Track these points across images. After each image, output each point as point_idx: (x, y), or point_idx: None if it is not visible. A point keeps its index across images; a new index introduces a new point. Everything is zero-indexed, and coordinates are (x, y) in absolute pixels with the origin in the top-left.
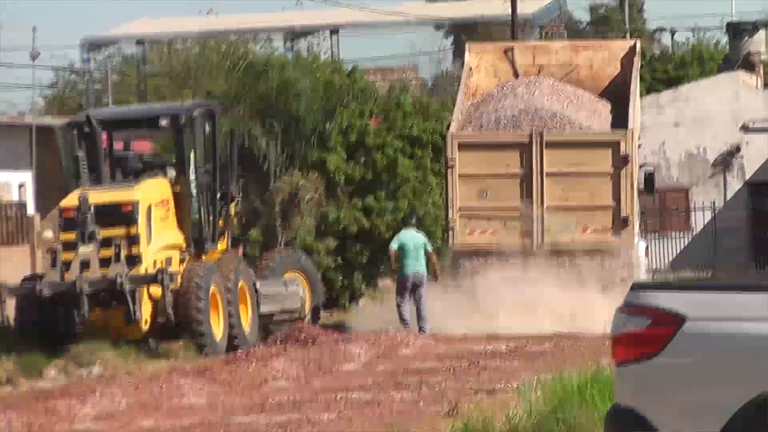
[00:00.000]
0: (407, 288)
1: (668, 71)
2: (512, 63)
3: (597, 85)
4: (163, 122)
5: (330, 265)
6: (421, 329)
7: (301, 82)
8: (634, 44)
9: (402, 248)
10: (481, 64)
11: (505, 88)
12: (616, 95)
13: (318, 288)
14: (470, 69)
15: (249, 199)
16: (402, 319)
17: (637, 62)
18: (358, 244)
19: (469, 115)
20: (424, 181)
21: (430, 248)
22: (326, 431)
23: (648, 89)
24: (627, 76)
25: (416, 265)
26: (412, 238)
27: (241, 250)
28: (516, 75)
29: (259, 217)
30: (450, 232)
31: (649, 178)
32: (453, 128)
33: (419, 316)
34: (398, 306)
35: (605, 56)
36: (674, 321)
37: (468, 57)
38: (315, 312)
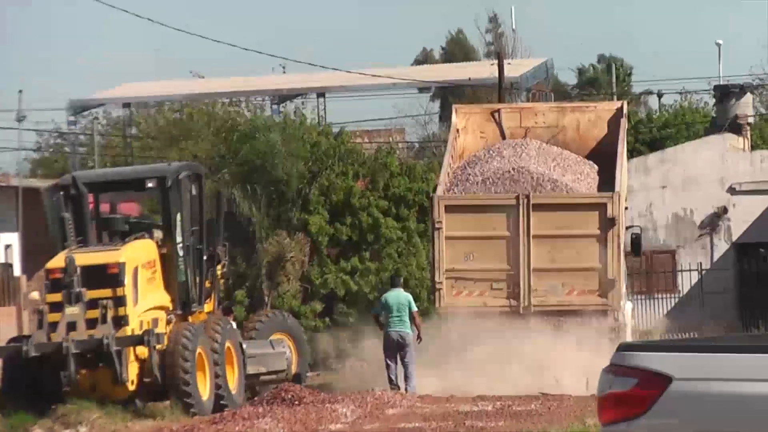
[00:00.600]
0: (392, 348)
1: (653, 133)
2: (499, 125)
3: (583, 147)
4: (150, 184)
5: (317, 327)
6: (407, 388)
7: (286, 145)
8: (621, 106)
9: (387, 309)
10: (468, 125)
11: (492, 150)
12: (603, 157)
13: (304, 349)
14: (457, 130)
15: (235, 262)
16: (389, 381)
17: (624, 124)
18: (344, 305)
19: (455, 176)
20: (409, 242)
21: (414, 308)
22: None
23: (631, 152)
24: (614, 138)
25: (399, 325)
26: (396, 298)
27: (232, 315)
28: (503, 136)
29: (244, 279)
30: (437, 294)
31: (636, 240)
32: (439, 190)
33: (405, 376)
34: (386, 367)
35: (592, 118)
36: (660, 381)
37: (455, 118)
38: (301, 373)
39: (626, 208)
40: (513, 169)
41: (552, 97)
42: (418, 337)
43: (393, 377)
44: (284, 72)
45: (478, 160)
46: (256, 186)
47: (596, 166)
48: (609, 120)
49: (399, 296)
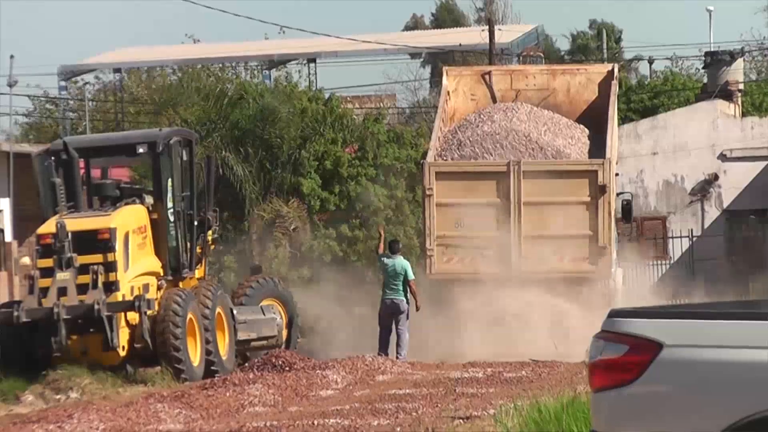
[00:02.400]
0: (385, 315)
1: (644, 101)
2: (490, 87)
3: (574, 110)
4: (141, 149)
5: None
6: (398, 355)
7: (279, 109)
8: (612, 69)
9: (384, 272)
10: (459, 87)
11: (482, 114)
12: (594, 120)
13: (295, 315)
14: (448, 93)
15: (225, 227)
16: (380, 347)
17: (614, 87)
18: (331, 272)
19: (446, 141)
20: (397, 210)
21: (411, 276)
22: None
23: (623, 119)
24: (604, 101)
25: (392, 294)
26: (392, 265)
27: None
28: (494, 99)
29: (234, 244)
30: (427, 261)
31: (627, 206)
32: (430, 156)
33: (397, 343)
34: (379, 334)
35: (582, 81)
36: (651, 348)
37: (446, 80)
38: (292, 339)
39: (617, 175)
40: (504, 133)
41: (543, 60)
42: (417, 306)
43: (384, 345)
44: (283, 32)
45: (469, 124)
46: (247, 150)
47: (587, 131)
48: (600, 83)
49: (396, 263)
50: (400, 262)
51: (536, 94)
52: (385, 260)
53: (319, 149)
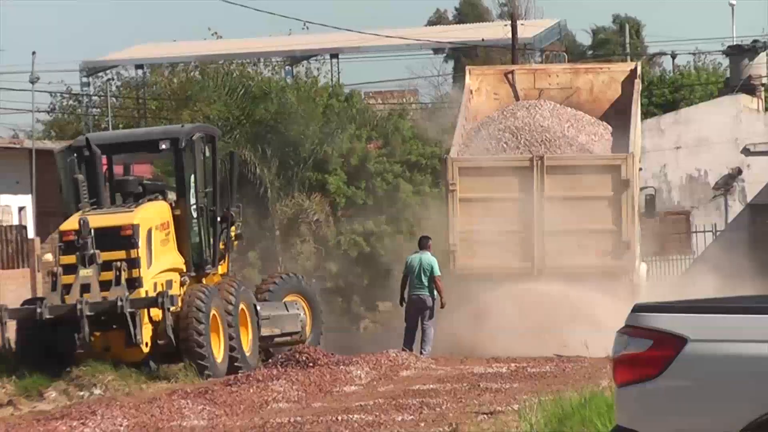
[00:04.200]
0: (411, 311)
1: (666, 95)
2: (513, 86)
3: (597, 108)
4: (163, 146)
5: (331, 288)
6: (422, 351)
7: (300, 106)
8: (635, 67)
9: (410, 271)
10: (482, 87)
11: (505, 112)
12: (617, 118)
13: (319, 311)
14: (471, 92)
15: (248, 223)
16: (404, 343)
17: (637, 85)
18: (358, 267)
19: (469, 138)
20: (423, 206)
21: (437, 273)
22: None
23: (645, 114)
24: (627, 99)
25: (420, 289)
26: (419, 261)
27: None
28: (516, 98)
29: (258, 240)
30: (450, 256)
31: (650, 201)
32: (453, 152)
33: (423, 339)
34: (405, 330)
35: (605, 79)
36: (675, 343)
37: (469, 80)
38: (316, 335)
39: (640, 169)
40: (527, 129)
41: (566, 58)
42: (441, 303)
43: (410, 341)
44: (306, 28)
45: (492, 121)
46: (268, 147)
47: (610, 128)
48: (623, 81)
49: (423, 259)
50: (427, 258)
51: (559, 93)
52: (412, 256)
53: (345, 146)
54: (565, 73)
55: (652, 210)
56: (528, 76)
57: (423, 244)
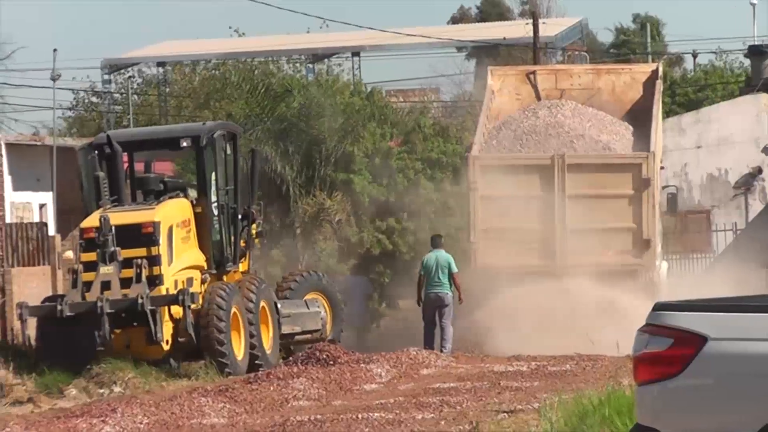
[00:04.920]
0: (430, 308)
1: (688, 94)
2: (534, 86)
3: (619, 109)
4: (184, 143)
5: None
6: (442, 348)
7: (323, 103)
8: (657, 68)
9: (426, 270)
10: (504, 87)
11: (527, 111)
12: (639, 118)
13: (339, 309)
14: (493, 92)
15: (270, 220)
16: (426, 341)
17: (659, 86)
18: (380, 264)
19: (491, 137)
20: (444, 204)
21: (454, 269)
22: None
23: (667, 113)
24: (649, 100)
25: (437, 287)
26: (436, 259)
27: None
28: (538, 98)
29: (280, 238)
30: (472, 254)
31: (672, 199)
32: (475, 150)
33: (442, 337)
34: (425, 328)
35: (627, 80)
36: (696, 341)
37: (490, 80)
38: (336, 332)
39: (663, 168)
40: (548, 128)
41: (587, 58)
42: (460, 299)
43: (430, 339)
44: (326, 26)
45: (513, 120)
46: (290, 144)
47: (631, 127)
48: (644, 82)
49: (439, 257)
50: (444, 255)
51: (581, 94)
52: (428, 255)
53: (369, 146)
54: (586, 73)
55: (674, 208)
56: (550, 76)
57: (437, 242)
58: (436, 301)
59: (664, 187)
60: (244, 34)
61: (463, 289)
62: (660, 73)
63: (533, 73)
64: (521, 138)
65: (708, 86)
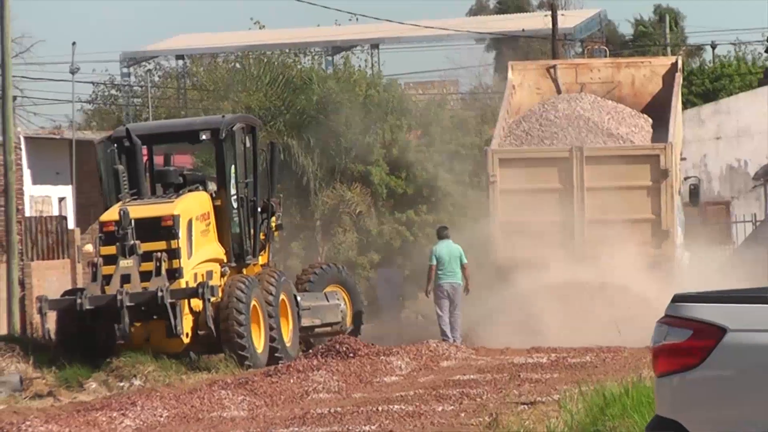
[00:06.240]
0: (444, 299)
1: (705, 84)
2: (555, 80)
3: (639, 102)
4: (204, 136)
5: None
6: (453, 338)
7: (343, 96)
8: (676, 61)
9: (439, 261)
10: (524, 81)
11: (546, 104)
12: (658, 111)
13: (359, 301)
14: (513, 87)
15: (289, 213)
16: (443, 333)
17: (678, 79)
18: (400, 257)
19: (510, 130)
20: (463, 196)
21: (464, 260)
22: None
23: (685, 104)
24: (668, 93)
25: (452, 277)
26: (448, 249)
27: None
28: (558, 92)
29: (299, 230)
30: (492, 247)
31: (694, 191)
32: (494, 144)
33: (451, 327)
34: (438, 318)
35: (647, 73)
36: (715, 333)
37: (511, 75)
38: (356, 325)
39: (683, 159)
40: (567, 120)
41: (607, 53)
42: (466, 289)
43: (446, 328)
44: (356, 19)
45: (533, 114)
46: (310, 137)
47: (650, 120)
48: (664, 75)
49: (450, 248)
50: (454, 246)
51: (601, 87)
52: (438, 247)
53: (388, 137)
54: (606, 67)
55: (696, 199)
56: (570, 70)
57: (444, 233)
58: (451, 292)
59: (686, 179)
60: (264, 26)
61: (481, 281)
62: (679, 66)
63: (553, 67)
64: (541, 131)
65: (725, 77)
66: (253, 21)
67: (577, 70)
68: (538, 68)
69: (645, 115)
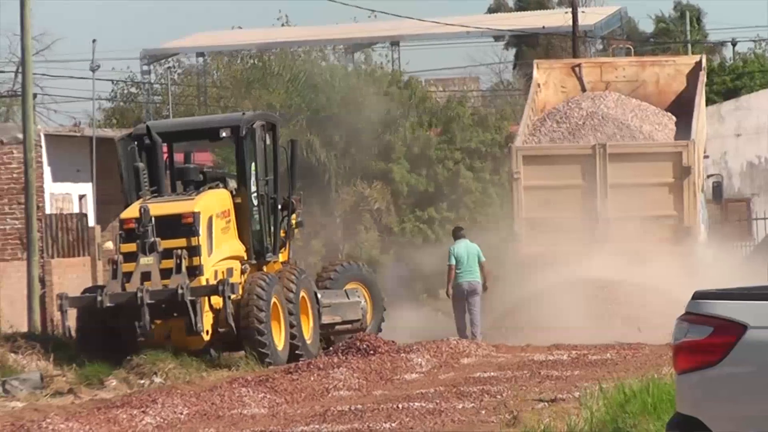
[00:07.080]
0: (463, 298)
1: (726, 82)
2: (580, 79)
3: (663, 101)
4: (224, 133)
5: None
6: (473, 335)
7: (364, 93)
8: (700, 60)
9: (457, 260)
10: (549, 80)
11: (570, 102)
12: (682, 110)
13: (379, 298)
14: (538, 85)
15: (310, 210)
16: (459, 331)
17: (702, 77)
18: (419, 254)
19: (535, 128)
20: (484, 193)
21: (482, 258)
22: None
23: (706, 101)
24: (692, 91)
25: (471, 275)
26: (466, 249)
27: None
28: (583, 90)
29: (320, 228)
30: (514, 243)
31: (717, 188)
32: (518, 142)
33: (472, 323)
34: (457, 316)
35: (671, 72)
36: (736, 330)
37: (536, 73)
38: (377, 322)
39: (706, 156)
40: (591, 118)
41: (631, 51)
42: (485, 286)
43: (464, 328)
44: (374, 17)
45: (557, 112)
46: (331, 134)
47: (674, 118)
48: (688, 74)
49: (468, 247)
50: (472, 245)
51: (626, 86)
52: (456, 246)
53: (409, 134)
54: (631, 66)
55: (719, 197)
56: (595, 69)
57: (460, 233)
58: (469, 290)
59: (709, 176)
60: (287, 23)
61: (503, 277)
62: (703, 64)
63: (578, 65)
64: (564, 128)
65: (747, 74)
66: (279, 15)
67: (602, 69)
68: (563, 67)
69: (669, 114)
